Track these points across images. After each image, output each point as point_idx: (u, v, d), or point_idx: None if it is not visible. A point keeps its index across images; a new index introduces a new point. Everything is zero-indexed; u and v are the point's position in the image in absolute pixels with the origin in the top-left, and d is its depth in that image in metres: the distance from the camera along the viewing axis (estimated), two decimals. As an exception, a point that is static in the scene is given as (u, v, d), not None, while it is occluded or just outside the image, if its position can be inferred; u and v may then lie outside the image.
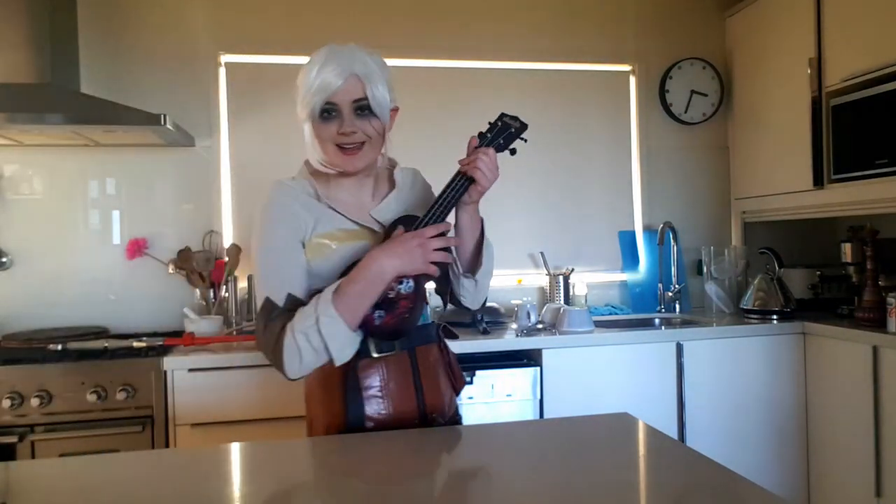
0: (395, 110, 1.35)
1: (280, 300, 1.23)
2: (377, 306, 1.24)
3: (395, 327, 1.25)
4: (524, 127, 1.35)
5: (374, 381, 1.29)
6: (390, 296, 1.24)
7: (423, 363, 1.35)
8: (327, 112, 1.26)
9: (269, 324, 1.22)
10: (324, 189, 1.33)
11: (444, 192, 1.30)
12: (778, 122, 2.78)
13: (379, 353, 1.28)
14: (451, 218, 1.32)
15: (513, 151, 1.35)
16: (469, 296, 1.43)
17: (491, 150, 1.30)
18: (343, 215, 1.31)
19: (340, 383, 1.28)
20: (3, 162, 2.57)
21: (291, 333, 1.18)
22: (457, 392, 1.45)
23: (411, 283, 1.26)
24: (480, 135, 1.33)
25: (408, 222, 1.29)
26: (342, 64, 1.24)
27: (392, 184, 1.40)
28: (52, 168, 2.61)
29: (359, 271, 1.21)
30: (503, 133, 1.33)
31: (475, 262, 1.40)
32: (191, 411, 2.11)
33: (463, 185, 1.29)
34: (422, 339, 1.36)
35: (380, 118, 1.29)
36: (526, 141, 1.35)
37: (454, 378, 1.44)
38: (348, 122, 1.26)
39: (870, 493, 2.25)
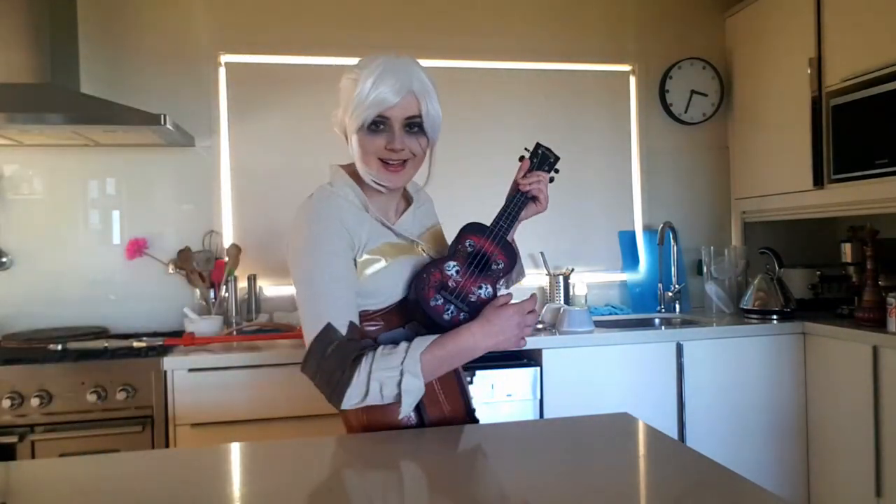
0: None
1: (342, 328, 1.18)
2: (461, 309, 1.26)
3: (454, 325, 1.25)
4: (558, 159, 1.41)
5: (428, 386, 1.25)
6: (472, 299, 1.27)
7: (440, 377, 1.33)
8: (376, 125, 1.22)
9: (331, 354, 1.16)
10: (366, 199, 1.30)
11: (505, 209, 1.35)
12: (778, 122, 2.78)
13: None
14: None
15: (551, 179, 1.41)
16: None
17: (544, 175, 1.36)
18: (390, 229, 1.30)
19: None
20: (3, 162, 2.57)
21: (367, 374, 1.14)
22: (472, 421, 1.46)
23: (489, 289, 1.30)
24: (530, 158, 1.39)
25: (478, 230, 1.31)
26: (401, 80, 1.20)
27: (406, 198, 1.40)
28: (52, 168, 2.61)
29: (453, 340, 1.20)
30: (544, 162, 1.40)
31: (515, 278, 1.47)
32: (191, 411, 2.11)
33: (523, 203, 1.36)
34: None
35: (428, 136, 1.28)
36: (558, 172, 1.42)
37: (467, 404, 1.43)
38: (398, 138, 1.23)
39: (870, 493, 2.25)
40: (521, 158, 1.39)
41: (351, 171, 1.31)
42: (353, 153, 1.27)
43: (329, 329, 1.17)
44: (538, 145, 1.41)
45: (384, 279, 1.25)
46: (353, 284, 1.22)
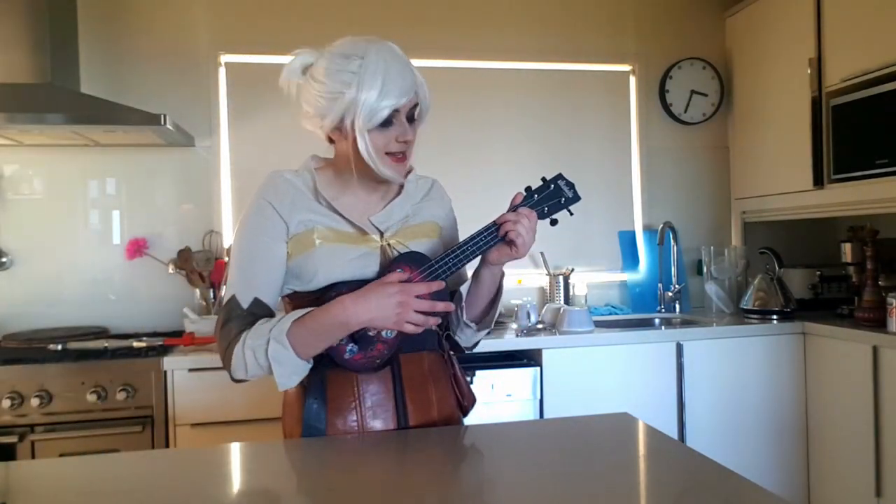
0: None
1: (245, 302, 1.20)
2: (352, 338, 1.18)
3: (362, 367, 1.20)
4: (576, 199, 1.24)
5: (343, 392, 1.23)
6: (370, 333, 1.19)
7: (409, 374, 1.26)
8: (388, 121, 1.21)
9: (227, 323, 1.20)
10: (330, 186, 1.29)
11: (469, 240, 1.21)
12: (778, 122, 2.78)
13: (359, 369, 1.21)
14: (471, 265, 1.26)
15: (553, 222, 1.25)
16: (464, 339, 1.36)
17: (534, 215, 1.22)
18: (339, 214, 1.26)
19: (304, 393, 1.24)
20: (3, 162, 2.57)
21: (242, 344, 1.16)
22: (463, 410, 1.37)
23: (393, 332, 1.20)
24: (528, 191, 1.24)
25: (413, 260, 1.22)
26: (405, 78, 1.21)
27: (401, 190, 1.34)
28: (52, 168, 2.61)
29: (324, 311, 1.15)
30: (552, 199, 1.23)
31: (482, 315, 1.33)
32: (191, 411, 2.11)
33: (492, 240, 1.20)
34: (412, 345, 1.26)
35: (420, 123, 1.29)
36: (572, 214, 1.25)
37: (460, 394, 1.36)
38: (409, 129, 1.24)
39: (870, 493, 2.25)
40: (528, 188, 1.25)
41: (322, 163, 1.33)
42: (364, 153, 1.21)
43: (232, 301, 1.21)
44: (558, 177, 1.25)
45: (311, 262, 1.22)
46: (273, 264, 1.23)
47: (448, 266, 1.20)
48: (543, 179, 1.25)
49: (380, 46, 1.21)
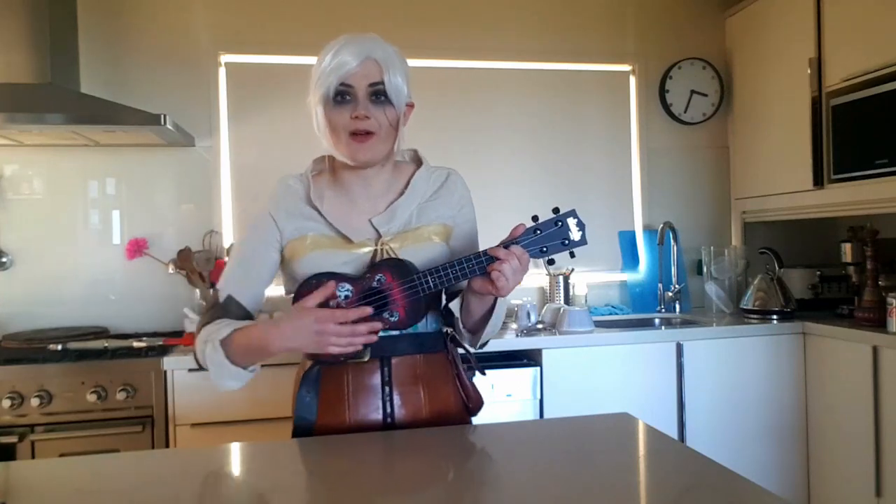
0: (410, 106, 1.29)
1: (221, 297, 1.27)
2: None
3: (332, 360, 1.22)
4: (582, 244, 1.17)
5: (335, 386, 1.25)
6: None
7: (399, 373, 1.26)
8: (341, 95, 1.20)
9: (206, 312, 1.28)
10: (325, 187, 1.29)
11: (456, 263, 1.16)
12: (778, 122, 2.78)
13: (344, 359, 1.22)
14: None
15: (551, 262, 1.20)
16: (466, 341, 1.34)
17: (526, 256, 1.15)
18: (325, 219, 1.26)
19: (300, 384, 1.28)
20: (3, 162, 2.57)
21: (198, 338, 1.24)
22: (469, 412, 1.35)
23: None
24: (533, 221, 1.17)
25: (397, 270, 1.18)
26: (361, 46, 1.19)
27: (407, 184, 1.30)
28: (52, 168, 2.61)
29: (248, 331, 1.18)
30: (555, 238, 1.16)
31: (476, 328, 1.29)
32: (191, 411, 2.11)
33: (477, 271, 1.15)
34: (405, 348, 1.26)
35: (395, 107, 1.23)
36: (573, 257, 1.19)
37: (465, 396, 1.34)
38: (363, 105, 1.20)
39: (870, 493, 2.25)
40: (535, 218, 1.18)
41: (322, 164, 1.34)
42: (319, 132, 1.24)
43: (214, 295, 1.29)
44: (570, 213, 1.17)
45: (302, 267, 1.24)
46: (258, 268, 1.28)
47: (429, 285, 1.17)
48: (555, 211, 1.18)
49: (356, 33, 1.22)
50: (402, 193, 1.30)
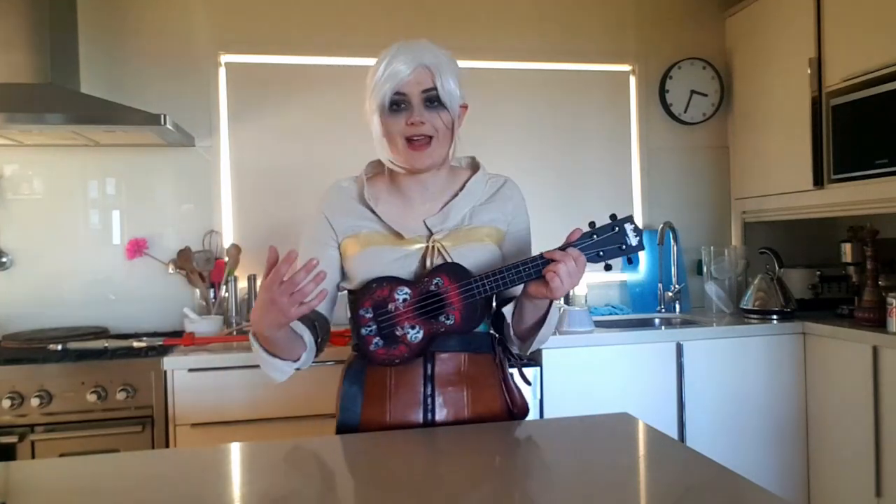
0: (464, 107, 1.32)
1: None
2: (380, 333, 1.22)
3: (382, 361, 1.24)
4: (640, 248, 1.19)
5: (379, 382, 1.27)
6: (397, 333, 1.22)
7: (442, 372, 1.27)
8: (396, 104, 1.22)
9: None
10: (381, 189, 1.32)
11: (512, 266, 1.18)
12: (778, 122, 2.78)
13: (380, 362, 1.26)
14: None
15: (608, 267, 1.21)
16: (515, 348, 1.35)
17: (582, 258, 1.16)
18: (379, 218, 1.28)
19: (345, 378, 1.30)
20: (3, 162, 2.57)
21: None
22: (513, 416, 1.34)
23: (420, 334, 1.22)
24: (590, 227, 1.20)
25: (455, 273, 1.21)
26: (412, 54, 1.22)
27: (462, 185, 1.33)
28: (52, 168, 2.61)
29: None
30: (612, 243, 1.18)
31: (527, 334, 1.30)
32: (191, 411, 2.11)
33: (533, 273, 1.17)
34: (451, 345, 1.27)
35: (449, 111, 1.25)
36: (631, 262, 1.21)
37: (511, 401, 1.34)
38: (417, 112, 1.22)
39: (870, 493, 2.25)
40: (592, 224, 1.21)
41: (378, 167, 1.36)
42: (376, 140, 1.27)
43: None
44: (627, 219, 1.19)
45: (355, 264, 1.27)
46: (323, 267, 1.25)
47: (485, 287, 1.19)
48: (612, 217, 1.20)
49: (407, 40, 1.25)
50: (456, 195, 1.32)
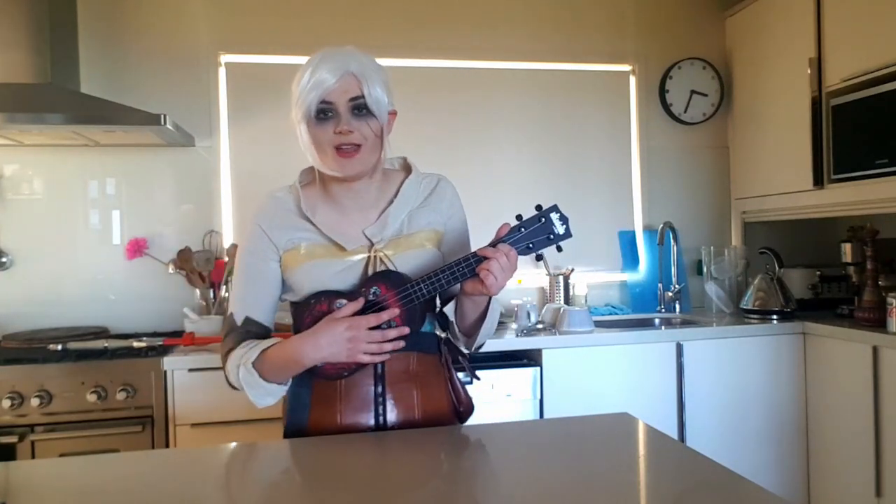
0: (393, 114, 1.29)
1: (239, 319, 1.29)
2: None
3: (332, 376, 1.24)
4: (567, 236, 1.21)
5: (327, 386, 1.26)
6: None
7: (392, 372, 1.27)
8: (323, 112, 1.21)
9: (226, 336, 1.29)
10: (316, 199, 1.30)
11: (446, 268, 1.19)
12: (778, 122, 2.78)
13: (348, 373, 1.25)
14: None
15: (539, 257, 1.23)
16: (462, 345, 1.37)
17: (513, 253, 1.18)
18: (318, 230, 1.27)
19: (295, 383, 1.29)
20: (3, 162, 2.57)
21: (228, 363, 1.26)
22: (459, 417, 1.36)
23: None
24: (517, 220, 1.21)
25: (390, 280, 1.21)
26: (337, 62, 1.20)
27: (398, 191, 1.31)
28: (52, 168, 2.61)
29: (282, 349, 1.21)
30: (540, 234, 1.20)
31: (471, 330, 1.31)
32: (191, 411, 2.11)
33: (467, 272, 1.18)
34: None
35: (378, 118, 1.23)
36: (560, 250, 1.23)
37: (457, 401, 1.35)
38: (345, 120, 1.20)
39: (870, 492, 2.25)
40: (519, 217, 1.22)
41: (310, 175, 1.35)
42: (304, 148, 1.25)
43: (230, 317, 1.30)
44: (552, 209, 1.21)
45: (298, 277, 1.27)
46: (264, 284, 1.29)
47: (423, 292, 1.20)
48: (538, 208, 1.22)
49: (332, 47, 1.24)
50: (391, 202, 1.31)
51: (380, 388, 1.27)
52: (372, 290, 1.21)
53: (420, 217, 1.32)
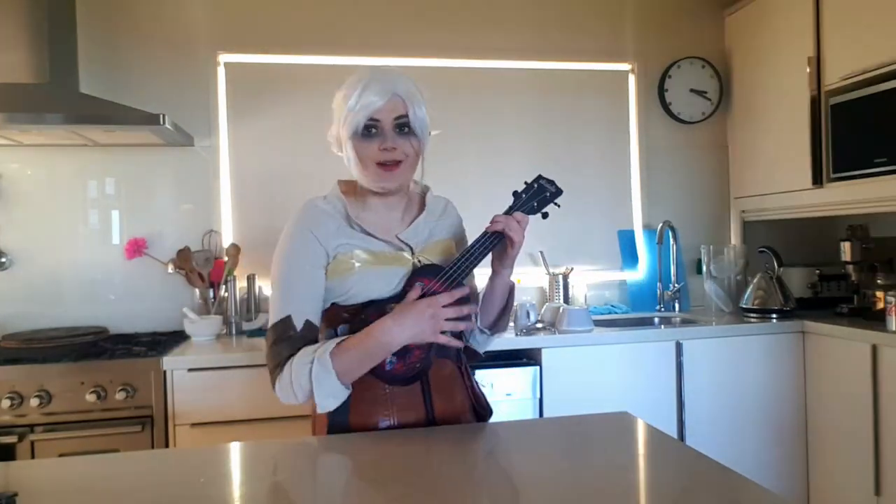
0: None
1: (299, 324, 1.26)
2: None
3: (405, 375, 1.27)
4: (559, 192, 1.36)
5: (373, 396, 1.27)
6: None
7: (435, 376, 1.32)
8: (367, 129, 1.27)
9: (277, 343, 1.26)
10: (355, 210, 1.35)
11: (471, 247, 1.30)
12: (777, 121, 2.78)
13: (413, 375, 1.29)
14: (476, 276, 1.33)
15: (545, 215, 1.36)
16: (479, 345, 1.47)
17: (521, 214, 1.32)
18: (373, 236, 1.32)
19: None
20: (3, 162, 2.57)
21: (290, 366, 1.22)
22: (480, 419, 1.41)
23: None
24: (515, 194, 1.35)
25: (429, 272, 1.29)
26: (385, 84, 1.27)
27: (422, 208, 1.40)
28: (52, 168, 2.61)
29: (367, 336, 1.22)
30: (538, 196, 1.35)
31: (495, 322, 1.43)
32: (190, 411, 2.11)
33: (492, 242, 1.30)
34: (437, 351, 1.32)
35: (419, 138, 1.31)
36: (559, 206, 1.35)
37: (477, 405, 1.41)
38: (390, 138, 1.27)
39: (869, 492, 2.25)
40: (515, 193, 1.36)
41: (346, 187, 1.39)
42: (348, 163, 1.32)
43: (286, 321, 1.26)
44: (538, 178, 1.37)
45: (349, 283, 1.29)
46: (314, 289, 1.29)
47: (460, 271, 1.28)
48: (526, 182, 1.37)
49: (379, 66, 1.32)
50: (419, 212, 1.40)
51: (426, 389, 1.31)
52: (417, 285, 1.27)
53: (439, 230, 1.42)
